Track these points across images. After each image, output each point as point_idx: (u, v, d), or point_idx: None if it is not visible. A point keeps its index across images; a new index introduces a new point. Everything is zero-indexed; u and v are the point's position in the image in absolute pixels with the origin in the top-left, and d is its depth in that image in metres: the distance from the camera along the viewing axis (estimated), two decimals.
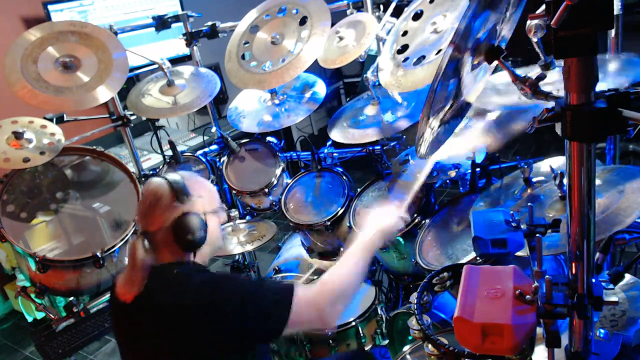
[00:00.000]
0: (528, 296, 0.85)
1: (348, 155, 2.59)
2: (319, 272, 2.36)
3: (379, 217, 1.58)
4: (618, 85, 1.17)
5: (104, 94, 2.09)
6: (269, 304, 1.33)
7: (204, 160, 2.54)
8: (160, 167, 2.59)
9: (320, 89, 2.43)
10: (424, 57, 1.71)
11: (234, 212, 2.20)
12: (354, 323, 1.93)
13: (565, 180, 0.96)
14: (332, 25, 2.20)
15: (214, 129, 2.83)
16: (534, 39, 0.89)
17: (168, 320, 1.31)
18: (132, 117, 2.45)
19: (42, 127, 2.10)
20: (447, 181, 2.03)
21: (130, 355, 1.46)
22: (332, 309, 1.36)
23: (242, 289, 1.36)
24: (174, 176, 1.42)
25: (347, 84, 5.40)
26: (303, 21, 2.25)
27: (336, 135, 2.19)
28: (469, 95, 1.03)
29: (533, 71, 0.92)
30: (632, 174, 1.31)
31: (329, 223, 2.16)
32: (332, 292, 1.37)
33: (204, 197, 1.43)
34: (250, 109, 2.52)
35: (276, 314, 1.32)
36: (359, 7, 2.29)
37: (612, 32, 1.68)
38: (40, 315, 3.40)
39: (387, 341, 1.97)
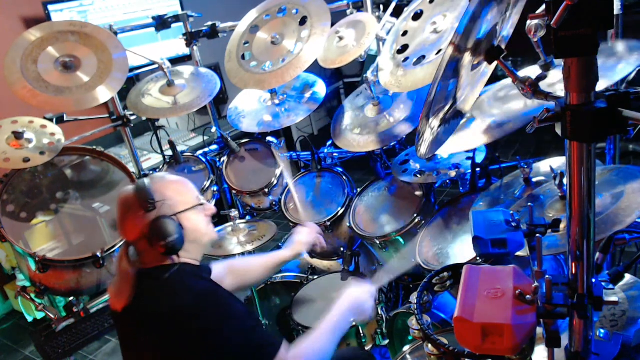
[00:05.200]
0: (528, 296, 0.85)
1: (348, 155, 2.59)
2: (318, 272, 2.37)
3: (354, 295, 1.57)
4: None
5: (104, 94, 2.09)
6: (254, 345, 1.29)
7: (204, 160, 2.54)
8: (160, 167, 2.59)
9: (320, 89, 2.43)
10: (424, 57, 1.71)
11: (234, 212, 2.20)
12: (354, 323, 1.93)
13: (565, 180, 0.96)
14: (332, 25, 2.20)
15: (214, 129, 2.83)
16: (534, 39, 0.89)
17: (159, 327, 1.29)
18: (132, 117, 2.45)
19: (42, 127, 2.10)
20: (447, 181, 2.03)
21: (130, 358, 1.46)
22: None
23: (235, 316, 1.32)
24: (140, 183, 1.39)
25: (347, 84, 5.40)
26: (303, 21, 2.25)
27: (343, 144, 2.20)
28: (464, 104, 1.03)
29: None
30: (632, 174, 1.30)
31: (329, 223, 2.16)
32: None
33: (171, 198, 1.39)
34: (250, 109, 2.52)
35: (258, 356, 1.29)
36: (359, 7, 2.29)
37: (612, 32, 1.68)
38: (40, 315, 3.40)
39: (387, 341, 1.97)
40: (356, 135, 2.17)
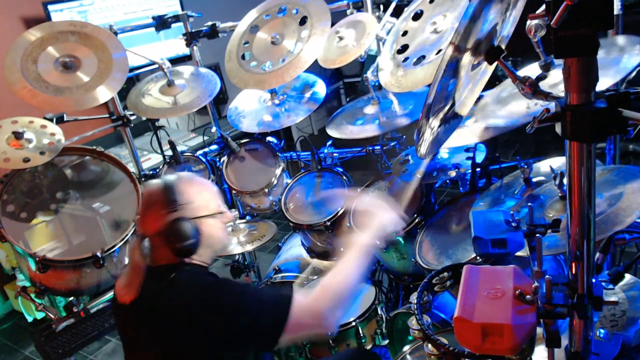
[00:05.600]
0: (528, 296, 0.85)
1: (348, 155, 2.59)
2: (319, 272, 2.37)
3: (378, 217, 1.55)
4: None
5: (104, 94, 2.09)
6: (265, 312, 1.30)
7: (204, 160, 2.54)
8: (160, 167, 2.59)
9: (320, 89, 2.43)
10: (424, 57, 1.71)
11: (234, 212, 2.20)
12: (354, 323, 1.93)
13: (565, 180, 0.96)
14: (332, 25, 2.20)
15: (214, 129, 2.83)
16: (534, 39, 0.89)
17: (165, 322, 1.31)
18: (132, 117, 2.45)
19: (42, 127, 2.10)
20: (447, 181, 2.03)
21: (132, 356, 1.46)
22: (331, 314, 1.33)
23: (239, 295, 1.33)
24: (169, 180, 1.40)
25: (347, 84, 5.40)
26: (303, 21, 2.25)
27: (334, 131, 2.19)
28: (461, 108, 1.03)
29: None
30: (632, 174, 1.30)
31: (329, 223, 2.16)
32: (332, 298, 1.33)
33: (195, 202, 1.39)
34: (250, 109, 2.52)
35: (272, 322, 1.29)
36: (359, 7, 2.29)
37: (612, 32, 1.68)
38: (40, 315, 3.40)
39: (387, 341, 1.97)
40: (350, 125, 2.16)
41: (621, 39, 1.47)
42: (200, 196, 1.43)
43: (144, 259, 1.37)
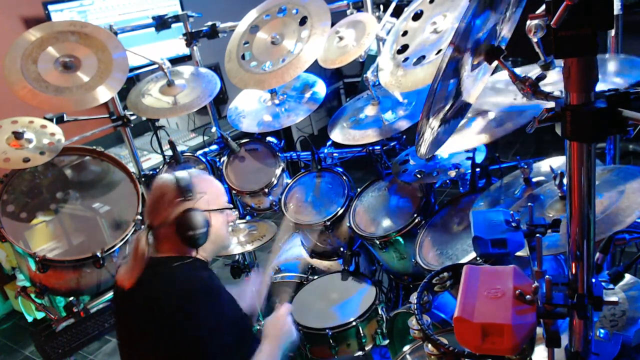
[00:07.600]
0: (528, 296, 0.85)
1: (348, 155, 2.59)
2: (318, 272, 2.37)
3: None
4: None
5: (104, 94, 2.09)
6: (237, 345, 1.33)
7: (204, 160, 2.54)
8: (160, 167, 2.59)
9: (320, 89, 2.43)
10: (424, 57, 1.71)
11: (234, 212, 2.20)
12: (354, 323, 1.93)
13: (565, 180, 0.96)
14: (332, 25, 2.20)
15: (214, 129, 2.83)
16: (534, 39, 0.89)
17: (157, 311, 1.32)
18: (132, 117, 2.45)
19: (42, 127, 2.10)
20: (447, 181, 2.03)
21: (124, 341, 1.48)
22: None
23: (229, 313, 1.35)
24: (181, 173, 1.45)
25: (347, 84, 5.40)
26: (303, 21, 2.25)
27: (336, 136, 2.19)
28: (469, 96, 1.03)
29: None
30: (632, 174, 1.30)
31: (329, 223, 2.16)
32: None
33: (208, 194, 1.44)
34: (250, 109, 2.52)
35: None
36: (359, 7, 2.29)
37: (612, 32, 1.68)
38: (40, 315, 3.40)
39: (387, 341, 1.97)
40: (352, 130, 2.17)
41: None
42: (211, 190, 1.48)
43: (148, 248, 1.39)
